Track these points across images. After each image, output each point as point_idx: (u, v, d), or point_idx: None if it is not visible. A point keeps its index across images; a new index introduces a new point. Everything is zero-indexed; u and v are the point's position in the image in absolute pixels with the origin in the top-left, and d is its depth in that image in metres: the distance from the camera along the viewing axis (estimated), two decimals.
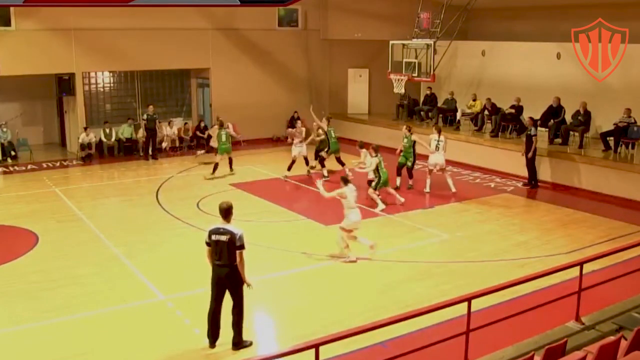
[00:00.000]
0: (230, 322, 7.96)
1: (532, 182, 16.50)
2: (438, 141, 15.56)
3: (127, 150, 20.83)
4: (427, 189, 15.81)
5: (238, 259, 7.74)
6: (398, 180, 15.97)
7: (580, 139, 16.89)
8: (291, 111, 23.64)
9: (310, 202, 15.35)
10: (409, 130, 16.10)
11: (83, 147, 19.92)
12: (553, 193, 16.10)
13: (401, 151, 16.08)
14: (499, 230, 12.92)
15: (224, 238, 7.71)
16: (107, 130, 20.57)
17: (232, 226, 7.82)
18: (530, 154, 16.13)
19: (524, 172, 16.91)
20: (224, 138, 17.44)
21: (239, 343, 7.92)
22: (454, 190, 15.62)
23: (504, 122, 19.14)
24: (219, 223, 7.91)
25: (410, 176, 16.18)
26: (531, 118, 16.43)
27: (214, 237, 7.78)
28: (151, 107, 20.27)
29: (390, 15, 22.73)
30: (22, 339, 8.34)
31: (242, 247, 7.72)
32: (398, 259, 11.21)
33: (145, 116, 20.13)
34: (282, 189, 16.58)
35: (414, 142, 16.08)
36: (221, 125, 17.65)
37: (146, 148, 20.25)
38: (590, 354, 5.73)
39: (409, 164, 16.12)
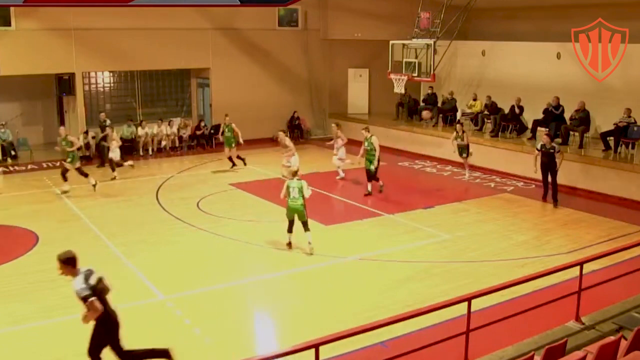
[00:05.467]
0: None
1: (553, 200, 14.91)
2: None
3: (126, 151, 20.81)
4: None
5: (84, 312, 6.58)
6: (369, 187, 15.49)
7: (580, 139, 16.89)
8: (291, 111, 23.65)
9: (310, 202, 15.32)
10: (368, 131, 15.49)
11: (79, 148, 19.80)
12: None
13: (366, 151, 15.36)
14: (499, 230, 12.92)
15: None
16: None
17: (79, 279, 6.57)
18: (558, 168, 14.70)
19: (524, 172, 16.92)
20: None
21: None
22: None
23: (504, 122, 19.15)
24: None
25: (376, 179, 15.53)
26: (548, 134, 15.03)
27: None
28: (102, 114, 19.61)
29: (390, 15, 22.73)
30: (22, 338, 8.35)
31: (84, 299, 6.54)
32: (398, 259, 11.21)
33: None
34: (281, 189, 16.54)
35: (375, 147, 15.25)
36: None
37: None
38: (590, 354, 5.73)
39: (373, 168, 15.22)
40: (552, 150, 14.56)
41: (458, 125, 17.44)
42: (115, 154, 17.36)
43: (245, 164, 18.52)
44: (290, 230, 11.43)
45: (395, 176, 18.18)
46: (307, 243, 11.29)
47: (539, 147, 14.75)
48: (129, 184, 17.18)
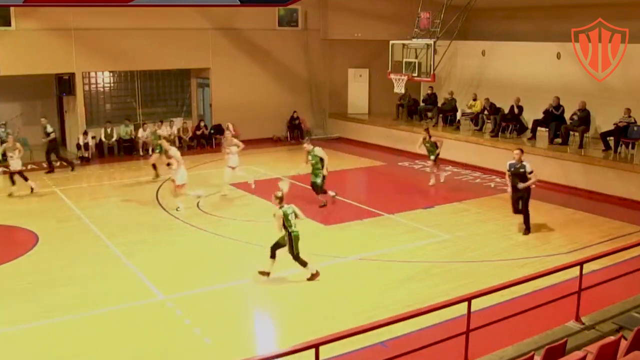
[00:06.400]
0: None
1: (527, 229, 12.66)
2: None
3: (126, 150, 20.84)
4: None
5: None
6: (331, 195, 14.56)
7: (580, 139, 16.89)
8: (291, 111, 23.64)
9: (309, 202, 15.33)
10: (310, 144, 14.52)
11: (79, 146, 20.04)
12: (553, 193, 16.08)
13: (311, 165, 14.32)
14: (499, 230, 12.91)
15: None
16: (108, 130, 20.59)
17: None
18: (522, 199, 12.34)
19: None
20: None
21: None
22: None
23: (504, 122, 19.15)
24: None
25: (324, 192, 14.48)
26: (521, 150, 12.52)
27: None
28: (43, 119, 18.65)
29: (390, 15, 22.74)
30: (22, 339, 8.35)
31: None
32: (398, 259, 11.21)
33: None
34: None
35: (321, 158, 14.23)
36: None
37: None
38: (590, 354, 5.73)
39: (319, 180, 14.25)
40: (522, 170, 12.15)
41: (424, 132, 16.43)
42: (15, 164, 15.44)
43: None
44: (305, 263, 10.11)
45: (395, 176, 18.21)
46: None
47: (508, 166, 12.45)
48: (129, 184, 17.18)
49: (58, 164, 18.67)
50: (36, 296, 9.56)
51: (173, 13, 20.73)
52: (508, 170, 12.45)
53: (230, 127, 19.59)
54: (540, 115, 18.10)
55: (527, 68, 19.60)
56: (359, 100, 25.07)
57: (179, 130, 21.82)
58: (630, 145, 16.00)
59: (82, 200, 15.26)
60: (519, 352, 6.57)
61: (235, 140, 15.66)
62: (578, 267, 7.58)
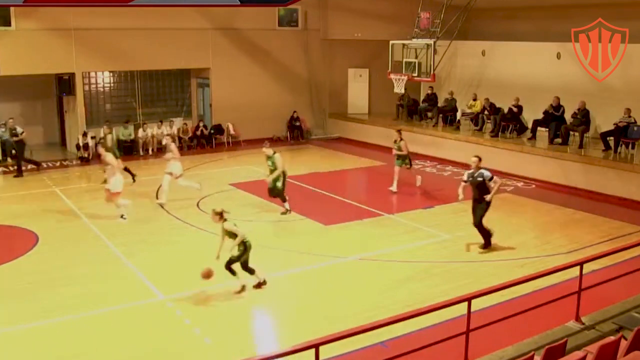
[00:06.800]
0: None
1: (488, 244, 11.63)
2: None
3: (126, 151, 20.81)
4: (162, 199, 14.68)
5: None
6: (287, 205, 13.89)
7: (580, 139, 16.89)
8: (291, 111, 23.64)
9: (309, 202, 15.34)
10: (270, 148, 13.95)
11: (78, 147, 20.09)
12: (553, 193, 16.10)
13: (270, 171, 13.76)
14: (499, 230, 12.87)
15: None
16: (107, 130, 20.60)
17: None
18: (489, 199, 11.26)
19: (524, 172, 16.92)
20: None
21: None
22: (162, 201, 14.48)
23: (504, 122, 19.15)
24: None
25: (284, 199, 13.92)
26: (478, 157, 11.41)
27: None
28: (11, 120, 18.27)
29: (390, 15, 22.74)
30: (22, 339, 8.35)
31: None
32: (398, 259, 11.21)
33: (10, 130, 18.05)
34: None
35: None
36: None
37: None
38: (590, 354, 5.73)
39: (279, 184, 13.63)
40: (479, 179, 11.17)
41: (396, 133, 15.71)
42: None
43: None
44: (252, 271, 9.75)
45: None
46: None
47: (465, 177, 11.52)
48: (129, 183, 17.15)
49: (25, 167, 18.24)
50: (36, 296, 9.56)
51: (173, 13, 20.74)
52: (465, 181, 11.45)
53: (230, 127, 19.72)
54: (540, 115, 18.10)
55: (527, 68, 19.60)
56: (359, 100, 25.08)
57: (178, 130, 21.82)
58: (630, 145, 16.00)
59: (82, 200, 15.25)
60: (519, 352, 6.57)
61: (173, 147, 14.88)
62: (578, 267, 7.58)
